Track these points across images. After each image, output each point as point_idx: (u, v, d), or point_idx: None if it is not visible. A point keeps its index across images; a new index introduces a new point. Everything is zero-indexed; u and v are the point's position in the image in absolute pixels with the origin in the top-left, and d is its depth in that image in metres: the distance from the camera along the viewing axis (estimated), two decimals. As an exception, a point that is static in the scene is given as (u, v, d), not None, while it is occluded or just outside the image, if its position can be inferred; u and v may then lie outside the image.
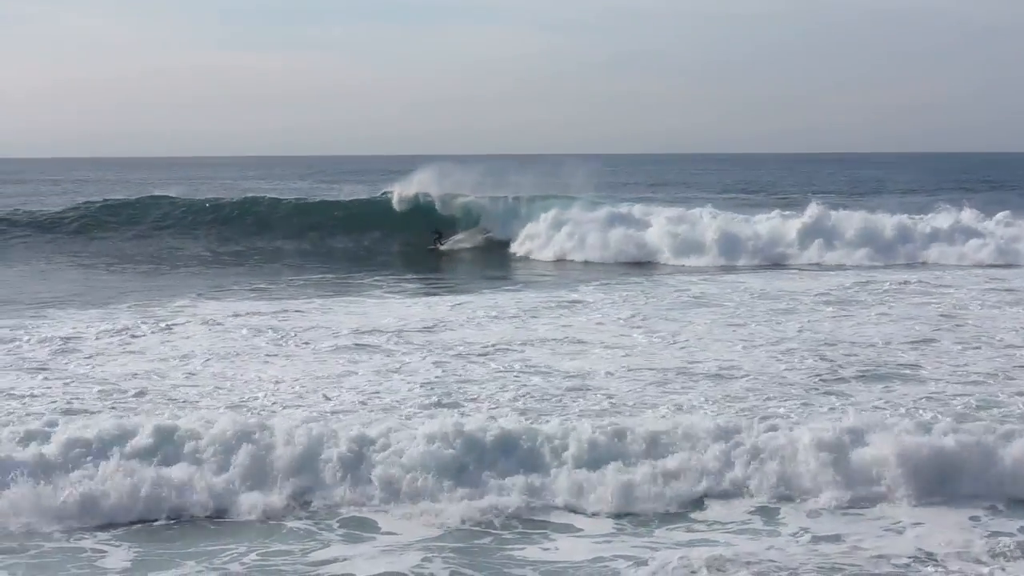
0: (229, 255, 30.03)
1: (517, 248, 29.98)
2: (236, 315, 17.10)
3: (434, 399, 11.31)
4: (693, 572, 7.41)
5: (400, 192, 32.96)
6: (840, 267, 26.18)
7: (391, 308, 18.23)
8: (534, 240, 29.88)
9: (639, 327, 15.93)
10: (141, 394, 11.65)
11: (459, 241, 30.80)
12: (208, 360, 13.43)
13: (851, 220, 29.50)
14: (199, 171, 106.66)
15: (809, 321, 16.34)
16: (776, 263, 27.18)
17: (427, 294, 20.83)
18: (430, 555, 7.77)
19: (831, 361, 13.27)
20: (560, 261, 28.49)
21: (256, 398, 11.46)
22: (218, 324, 16.22)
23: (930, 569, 7.49)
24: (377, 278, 23.53)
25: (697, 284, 21.63)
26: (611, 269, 26.48)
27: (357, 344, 14.53)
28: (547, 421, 10.00)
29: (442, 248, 30.35)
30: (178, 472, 8.88)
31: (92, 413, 10.62)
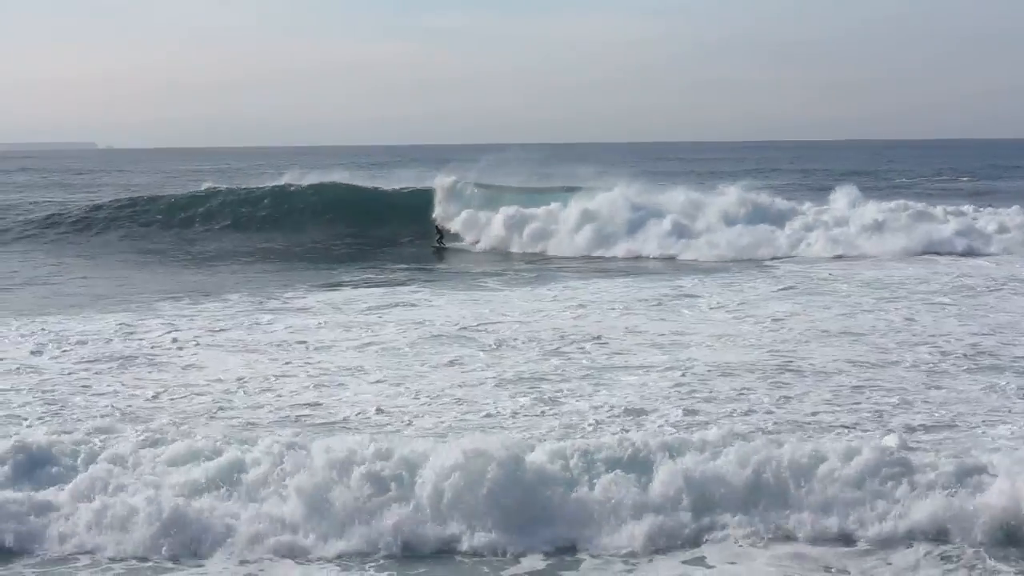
0: (324, 245, 30.23)
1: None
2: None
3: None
4: None
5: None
6: None
7: (513, 300, 18.16)
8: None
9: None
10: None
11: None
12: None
13: None
14: (319, 160, 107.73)
15: None
16: None
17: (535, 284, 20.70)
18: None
19: None
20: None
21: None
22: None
23: None
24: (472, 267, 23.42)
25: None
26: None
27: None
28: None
29: (446, 245, 29.78)
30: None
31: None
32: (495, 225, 29.41)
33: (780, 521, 7.85)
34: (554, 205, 29.62)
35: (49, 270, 24.80)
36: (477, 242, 29.59)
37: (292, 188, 34.87)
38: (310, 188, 34.75)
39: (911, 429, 9.89)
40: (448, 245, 29.74)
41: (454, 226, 30.35)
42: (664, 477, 8.09)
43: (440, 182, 32.23)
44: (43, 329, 15.19)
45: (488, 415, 10.56)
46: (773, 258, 25.51)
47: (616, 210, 28.61)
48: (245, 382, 12.02)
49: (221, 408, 10.92)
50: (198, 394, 11.52)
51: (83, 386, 11.82)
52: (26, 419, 10.44)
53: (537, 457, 8.34)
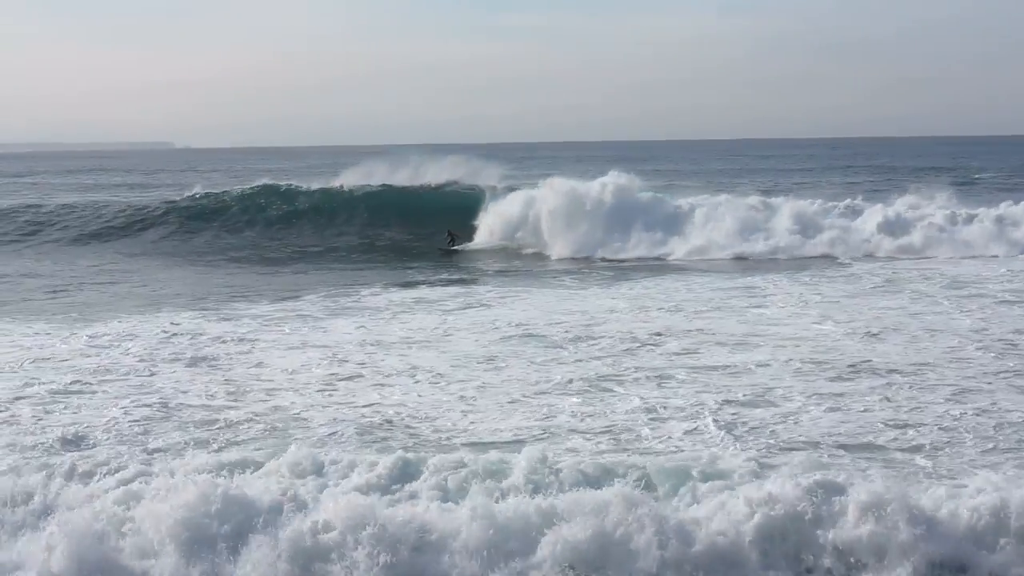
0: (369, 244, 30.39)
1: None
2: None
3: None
4: None
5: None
6: None
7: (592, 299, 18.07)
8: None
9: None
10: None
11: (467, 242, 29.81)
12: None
13: None
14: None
15: None
16: None
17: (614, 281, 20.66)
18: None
19: None
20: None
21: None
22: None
23: None
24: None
25: None
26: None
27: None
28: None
29: (455, 248, 29.39)
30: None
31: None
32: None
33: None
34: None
35: (118, 270, 25.38)
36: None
37: (348, 189, 35.09)
38: (382, 187, 34.88)
39: None
40: (459, 248, 29.35)
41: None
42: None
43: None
44: (171, 331, 15.56)
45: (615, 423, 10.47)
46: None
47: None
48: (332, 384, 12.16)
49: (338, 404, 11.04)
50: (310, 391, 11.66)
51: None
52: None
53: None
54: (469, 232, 30.10)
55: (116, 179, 75.64)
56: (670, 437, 9.66)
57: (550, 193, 29.46)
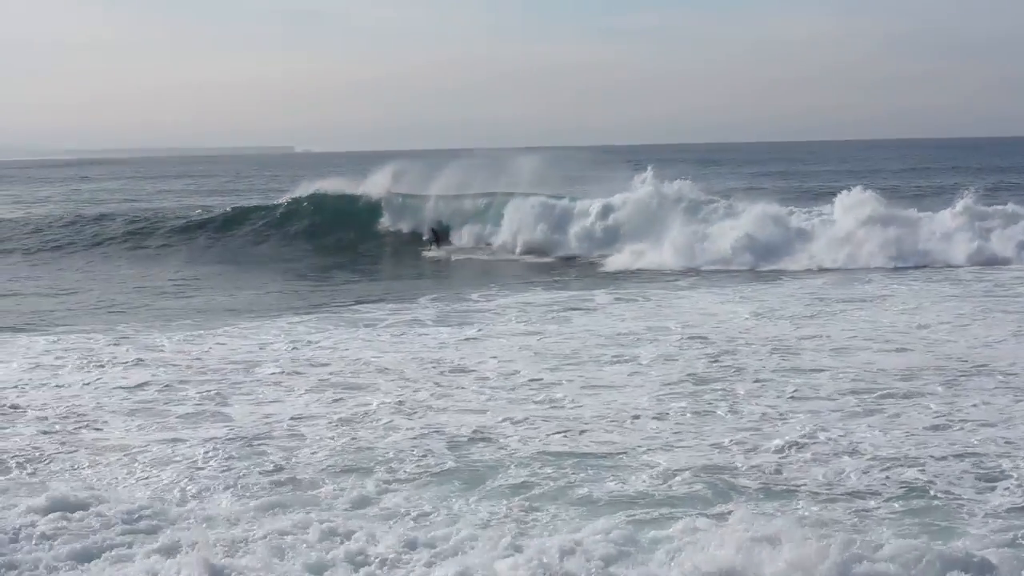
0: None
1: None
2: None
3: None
4: None
5: None
6: None
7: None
8: None
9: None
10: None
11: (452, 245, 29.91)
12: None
13: None
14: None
15: None
16: None
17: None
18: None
19: None
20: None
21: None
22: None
23: None
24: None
25: None
26: None
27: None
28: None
29: (438, 250, 29.51)
30: None
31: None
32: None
33: None
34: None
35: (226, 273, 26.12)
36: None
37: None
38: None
39: None
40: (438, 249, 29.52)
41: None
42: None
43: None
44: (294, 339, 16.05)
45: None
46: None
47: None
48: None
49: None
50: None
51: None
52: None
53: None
54: (446, 232, 30.33)
55: (254, 183, 77.39)
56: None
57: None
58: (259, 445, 10.00)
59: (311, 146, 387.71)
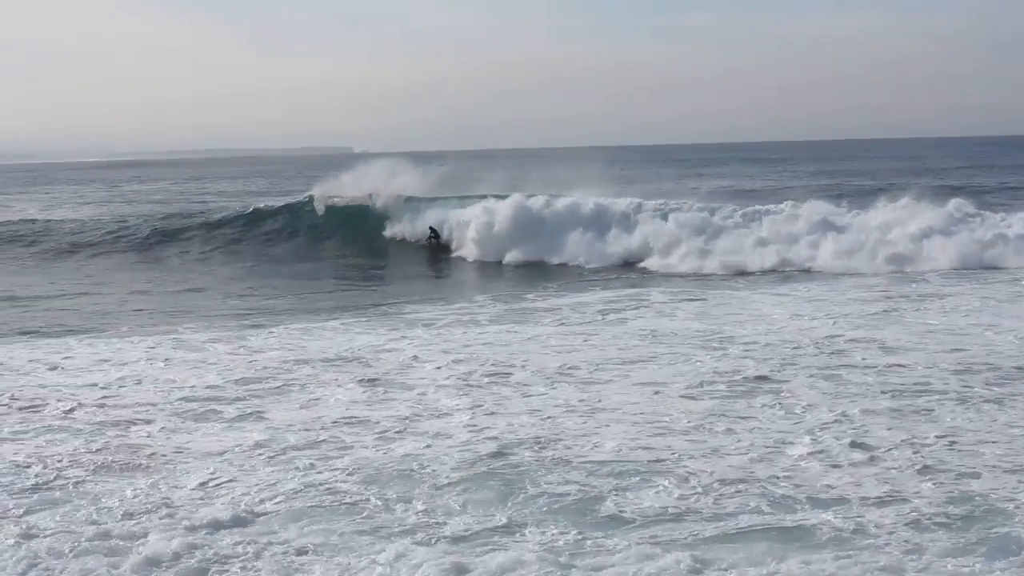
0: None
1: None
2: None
3: None
4: None
5: None
6: None
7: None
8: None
9: None
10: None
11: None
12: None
13: None
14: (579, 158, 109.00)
15: None
16: None
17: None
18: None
19: None
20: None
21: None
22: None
23: None
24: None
25: None
26: None
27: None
28: None
29: (439, 243, 30.11)
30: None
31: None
32: None
33: None
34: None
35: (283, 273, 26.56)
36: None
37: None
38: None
39: None
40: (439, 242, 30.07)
41: None
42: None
43: None
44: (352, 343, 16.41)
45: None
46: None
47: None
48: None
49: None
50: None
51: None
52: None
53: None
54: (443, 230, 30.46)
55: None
56: None
57: None
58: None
59: (370, 147, 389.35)
